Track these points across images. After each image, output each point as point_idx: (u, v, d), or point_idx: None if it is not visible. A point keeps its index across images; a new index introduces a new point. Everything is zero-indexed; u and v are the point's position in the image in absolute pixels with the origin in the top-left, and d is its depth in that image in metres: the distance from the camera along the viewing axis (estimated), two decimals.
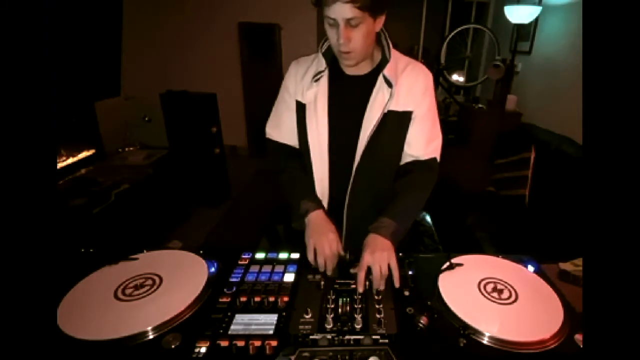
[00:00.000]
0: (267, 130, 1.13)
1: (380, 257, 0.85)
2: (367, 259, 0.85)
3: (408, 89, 0.97)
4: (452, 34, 3.96)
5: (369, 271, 0.85)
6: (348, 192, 1.04)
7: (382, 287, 0.84)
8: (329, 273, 0.89)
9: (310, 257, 0.91)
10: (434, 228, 2.08)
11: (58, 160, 2.26)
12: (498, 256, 0.98)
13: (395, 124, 0.98)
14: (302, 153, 1.08)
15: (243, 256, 0.97)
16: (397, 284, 0.85)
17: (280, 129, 1.10)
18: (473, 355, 0.69)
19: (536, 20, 3.07)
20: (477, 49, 4.56)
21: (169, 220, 2.75)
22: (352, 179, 1.02)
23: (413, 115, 0.99)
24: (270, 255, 0.97)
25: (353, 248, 0.95)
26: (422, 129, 1.01)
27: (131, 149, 2.87)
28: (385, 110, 0.95)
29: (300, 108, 1.03)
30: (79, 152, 2.45)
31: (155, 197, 2.55)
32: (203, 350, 0.67)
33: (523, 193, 2.39)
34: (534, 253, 0.99)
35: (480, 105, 3.40)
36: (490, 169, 2.76)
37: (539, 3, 2.99)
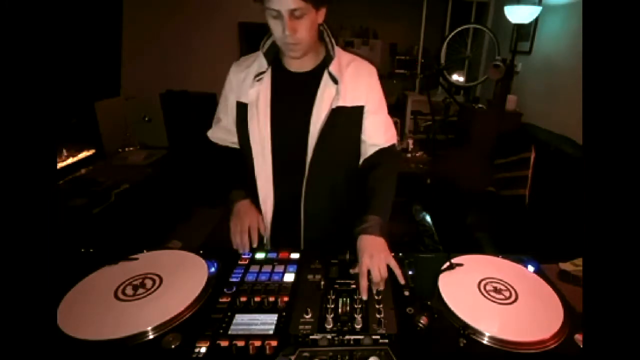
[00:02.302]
0: (208, 133, 1.19)
1: (378, 260, 0.85)
2: (366, 263, 0.85)
3: (353, 86, 0.99)
4: (452, 34, 3.95)
5: (368, 274, 0.84)
6: (303, 188, 1.02)
7: (382, 287, 0.84)
8: (241, 249, 0.96)
9: (233, 239, 0.97)
10: (434, 228, 2.09)
11: (58, 160, 2.26)
12: (498, 256, 0.98)
13: (346, 119, 0.99)
14: (241, 154, 1.08)
15: (243, 256, 0.97)
16: (402, 281, 0.85)
17: (220, 131, 1.14)
18: (473, 355, 0.69)
19: (536, 20, 3.07)
20: (477, 49, 4.56)
21: (169, 220, 2.75)
22: (306, 174, 1.01)
23: (366, 110, 1.02)
24: (270, 255, 0.97)
25: (311, 240, 1.03)
26: (379, 121, 1.05)
27: (131, 149, 2.87)
28: (334, 106, 0.96)
29: (242, 108, 1.02)
30: (79, 152, 2.46)
31: (155, 197, 2.55)
32: (203, 350, 0.67)
33: (523, 193, 2.39)
34: (534, 253, 0.99)
35: (480, 105, 3.40)
36: (490, 169, 2.76)
37: (539, 3, 2.99)
